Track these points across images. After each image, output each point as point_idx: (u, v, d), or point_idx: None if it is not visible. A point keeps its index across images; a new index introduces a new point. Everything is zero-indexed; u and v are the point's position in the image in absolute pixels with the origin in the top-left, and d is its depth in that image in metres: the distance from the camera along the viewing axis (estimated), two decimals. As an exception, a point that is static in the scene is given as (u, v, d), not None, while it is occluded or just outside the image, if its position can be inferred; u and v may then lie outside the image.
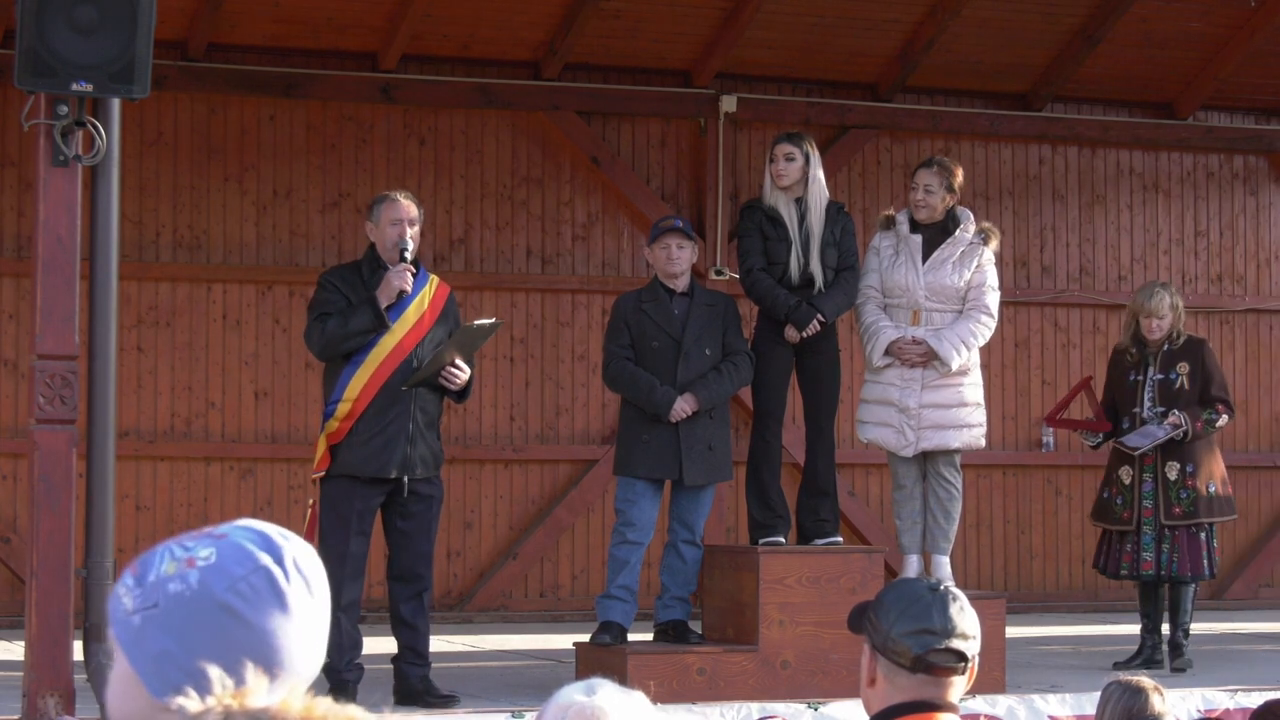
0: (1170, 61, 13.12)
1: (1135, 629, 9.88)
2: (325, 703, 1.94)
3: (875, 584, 8.26)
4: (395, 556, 8.25)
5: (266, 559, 2.10)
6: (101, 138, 7.39)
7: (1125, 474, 9.65)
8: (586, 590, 12.04)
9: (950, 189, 8.97)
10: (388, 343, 8.11)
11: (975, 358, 8.98)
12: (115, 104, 7.47)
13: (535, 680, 9.02)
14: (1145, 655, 9.65)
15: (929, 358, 8.82)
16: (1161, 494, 9.56)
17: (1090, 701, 7.66)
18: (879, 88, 12.94)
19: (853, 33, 12.41)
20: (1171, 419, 9.50)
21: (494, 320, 8.64)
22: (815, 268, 8.78)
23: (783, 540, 8.79)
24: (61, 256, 7.41)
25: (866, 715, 3.54)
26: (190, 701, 1.92)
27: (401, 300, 8.15)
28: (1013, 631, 9.15)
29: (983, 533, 13.12)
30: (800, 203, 8.84)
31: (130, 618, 2.09)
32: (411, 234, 8.20)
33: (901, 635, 3.45)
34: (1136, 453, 9.54)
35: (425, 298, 8.25)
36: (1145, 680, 5.58)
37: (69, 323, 7.41)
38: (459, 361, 8.15)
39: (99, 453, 7.61)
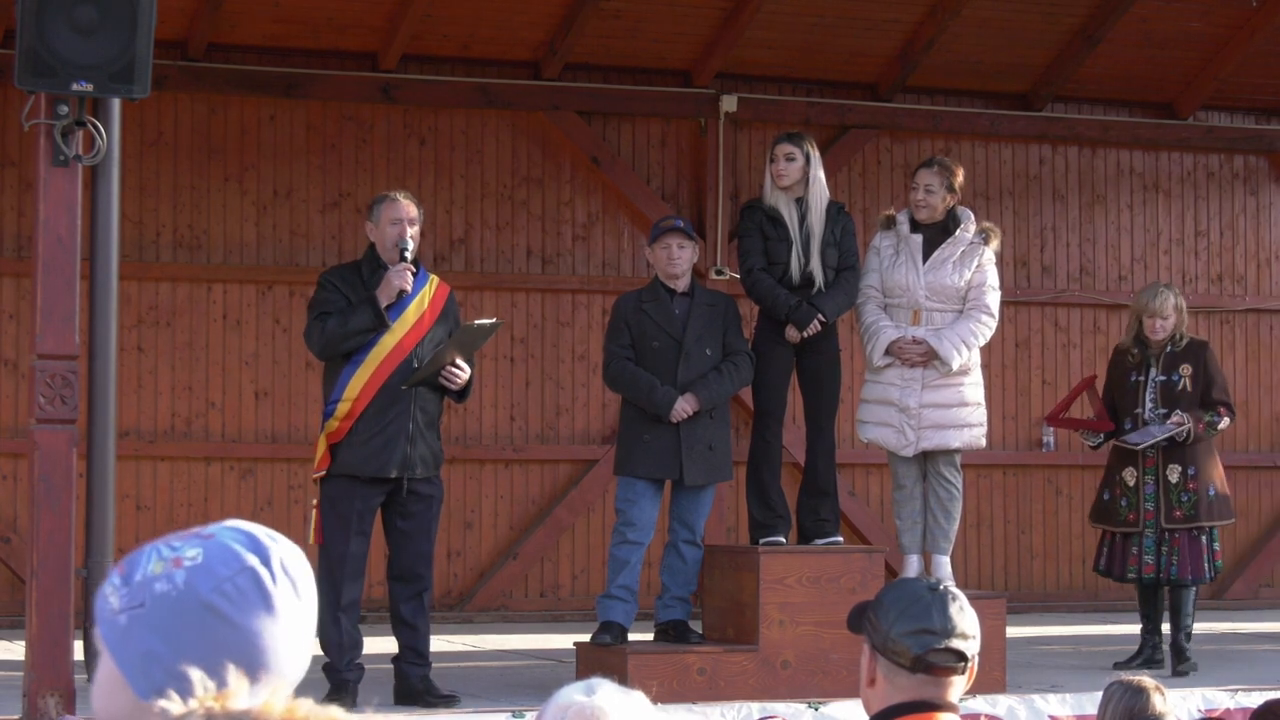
0: (1170, 61, 13.12)
1: (1135, 629, 9.87)
2: (307, 704, 1.93)
3: (875, 584, 8.25)
4: (395, 556, 8.25)
5: (253, 560, 2.10)
6: (101, 138, 7.39)
7: (1129, 475, 9.63)
8: (587, 590, 12.04)
9: (951, 189, 8.97)
10: (388, 342, 8.11)
11: (976, 357, 8.97)
12: (115, 104, 7.47)
13: (535, 680, 9.02)
14: (1145, 655, 9.65)
15: (929, 357, 8.82)
16: (1162, 497, 9.55)
17: (1090, 701, 7.67)
18: (879, 88, 12.94)
19: (853, 33, 12.41)
20: (1175, 418, 9.48)
21: (494, 320, 8.64)
22: (815, 268, 8.78)
23: (783, 540, 8.79)
24: (61, 256, 7.40)
25: (866, 715, 3.54)
26: (172, 704, 1.91)
27: (401, 300, 8.15)
28: (1013, 631, 9.15)
29: (983, 533, 13.12)
30: (801, 203, 8.84)
31: (116, 617, 2.09)
32: (411, 234, 8.20)
33: (901, 635, 3.45)
34: (1139, 448, 9.52)
35: (425, 297, 8.25)
36: (1147, 680, 5.58)
37: (69, 323, 7.41)
38: (459, 361, 8.15)
39: (99, 453, 7.61)
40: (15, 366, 11.41)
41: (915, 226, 8.97)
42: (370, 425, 8.03)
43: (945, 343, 8.80)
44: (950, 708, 3.48)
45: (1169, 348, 9.65)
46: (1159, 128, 13.61)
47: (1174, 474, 9.55)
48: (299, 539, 10.57)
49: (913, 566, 8.95)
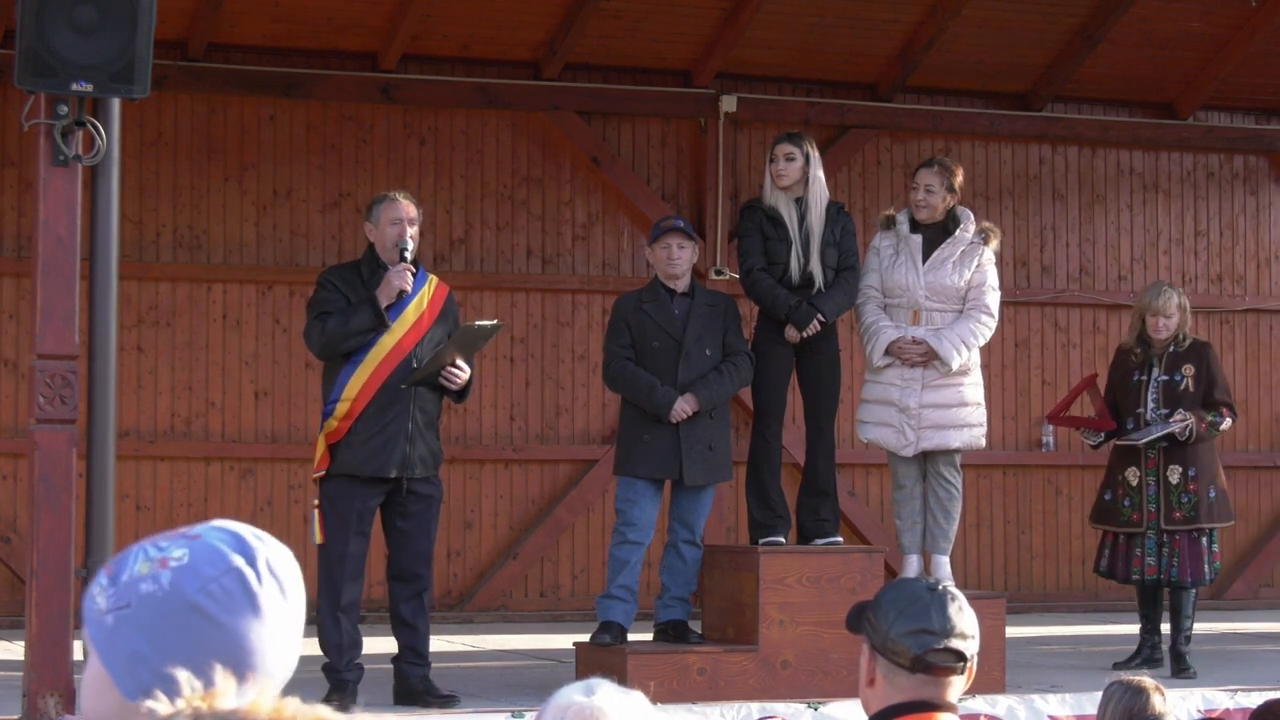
0: (1170, 61, 13.12)
1: (1135, 629, 9.86)
2: (294, 703, 1.93)
3: (875, 584, 8.25)
4: (395, 556, 8.25)
5: (239, 560, 2.09)
6: (101, 138, 7.38)
7: (1132, 475, 9.61)
8: (586, 590, 12.04)
9: (951, 189, 8.97)
10: (387, 342, 8.11)
11: (975, 357, 8.98)
12: (115, 104, 7.46)
13: (535, 680, 9.02)
14: (1145, 655, 9.64)
15: (929, 357, 8.82)
16: (1163, 498, 9.54)
17: (1090, 701, 7.67)
18: (879, 88, 12.94)
19: (853, 33, 12.41)
20: (1178, 415, 9.47)
21: (495, 322, 8.64)
22: (815, 268, 8.79)
23: (783, 540, 8.79)
24: (61, 256, 7.41)
25: (865, 715, 3.54)
26: (159, 705, 1.91)
27: (401, 300, 8.16)
28: (1013, 631, 9.15)
29: (983, 533, 13.12)
30: (800, 203, 8.84)
31: (104, 617, 2.09)
32: (411, 234, 8.21)
33: (900, 635, 3.45)
34: (1140, 444, 9.51)
35: (424, 297, 8.25)
36: (1147, 680, 5.58)
37: (69, 323, 7.41)
38: (459, 361, 8.16)
39: (99, 453, 7.60)
40: (15, 366, 11.42)
41: (915, 226, 8.97)
42: (369, 425, 8.04)
43: (945, 343, 8.80)
44: (949, 708, 3.48)
45: (1172, 347, 9.65)
46: (1159, 128, 13.61)
47: (1174, 474, 9.54)
48: (300, 539, 10.55)
49: (912, 566, 8.95)
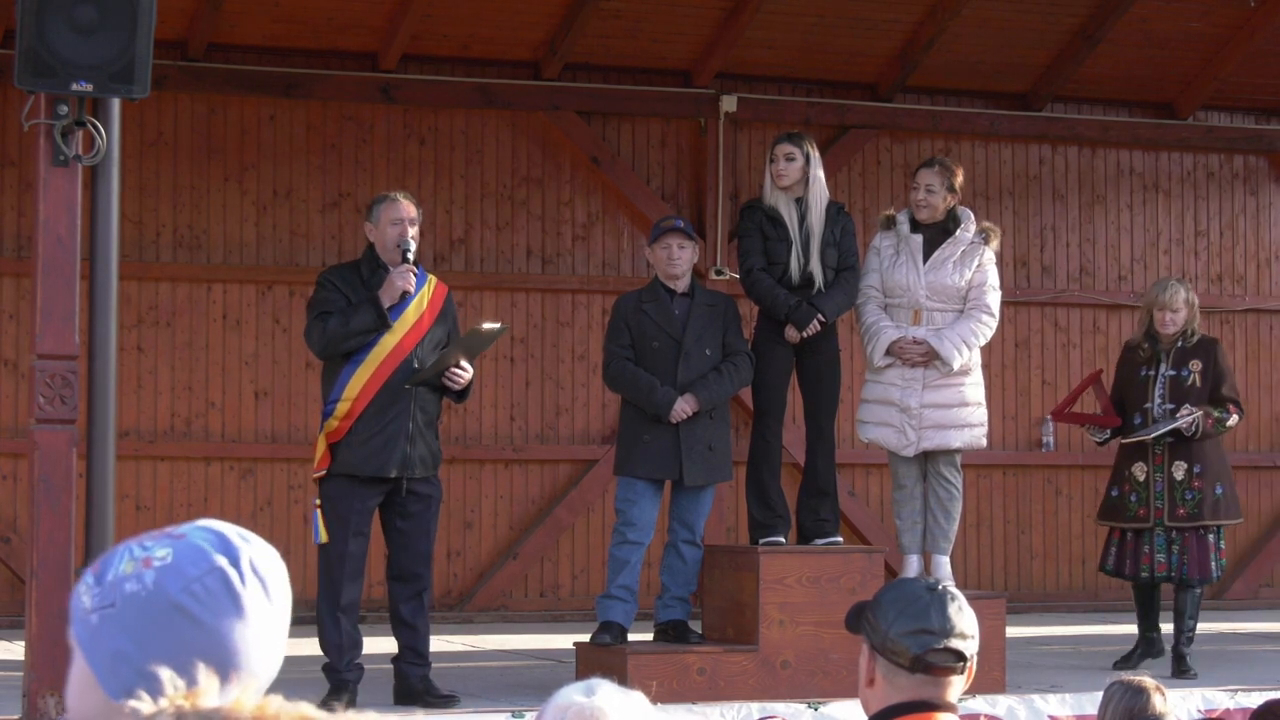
0: (1170, 61, 13.12)
1: (1135, 629, 9.84)
2: (277, 701, 1.94)
3: (875, 584, 8.25)
4: (395, 556, 8.25)
5: (222, 561, 2.10)
6: (101, 138, 7.38)
7: (1139, 471, 9.59)
8: (586, 590, 12.04)
9: (951, 189, 8.97)
10: (388, 342, 8.11)
11: (976, 357, 8.98)
12: (115, 104, 7.46)
13: (535, 680, 9.02)
14: (1143, 649, 9.63)
15: (930, 357, 8.82)
16: (1168, 494, 9.53)
17: (1090, 701, 7.67)
18: (879, 88, 12.94)
19: (853, 33, 12.41)
20: (1184, 411, 9.45)
21: (501, 325, 8.64)
22: (815, 268, 8.79)
23: (783, 540, 8.79)
24: (61, 256, 7.41)
25: (865, 715, 3.54)
26: (143, 704, 1.92)
27: (403, 300, 8.16)
28: (1013, 631, 9.15)
29: (983, 533, 13.12)
30: (800, 203, 8.84)
31: (88, 616, 2.09)
32: (411, 234, 8.21)
33: (900, 635, 3.45)
34: (1147, 439, 9.50)
35: (425, 298, 8.26)
36: (1147, 680, 5.58)
37: (69, 323, 7.41)
38: (463, 363, 8.17)
39: (99, 453, 7.60)
40: (15, 366, 11.42)
41: (915, 226, 8.97)
42: (370, 425, 8.04)
43: (946, 343, 8.80)
44: (949, 708, 3.48)
45: (1179, 343, 9.63)
46: (1159, 128, 13.61)
47: (1179, 471, 9.52)
48: (300, 539, 10.55)
49: (912, 566, 8.95)
